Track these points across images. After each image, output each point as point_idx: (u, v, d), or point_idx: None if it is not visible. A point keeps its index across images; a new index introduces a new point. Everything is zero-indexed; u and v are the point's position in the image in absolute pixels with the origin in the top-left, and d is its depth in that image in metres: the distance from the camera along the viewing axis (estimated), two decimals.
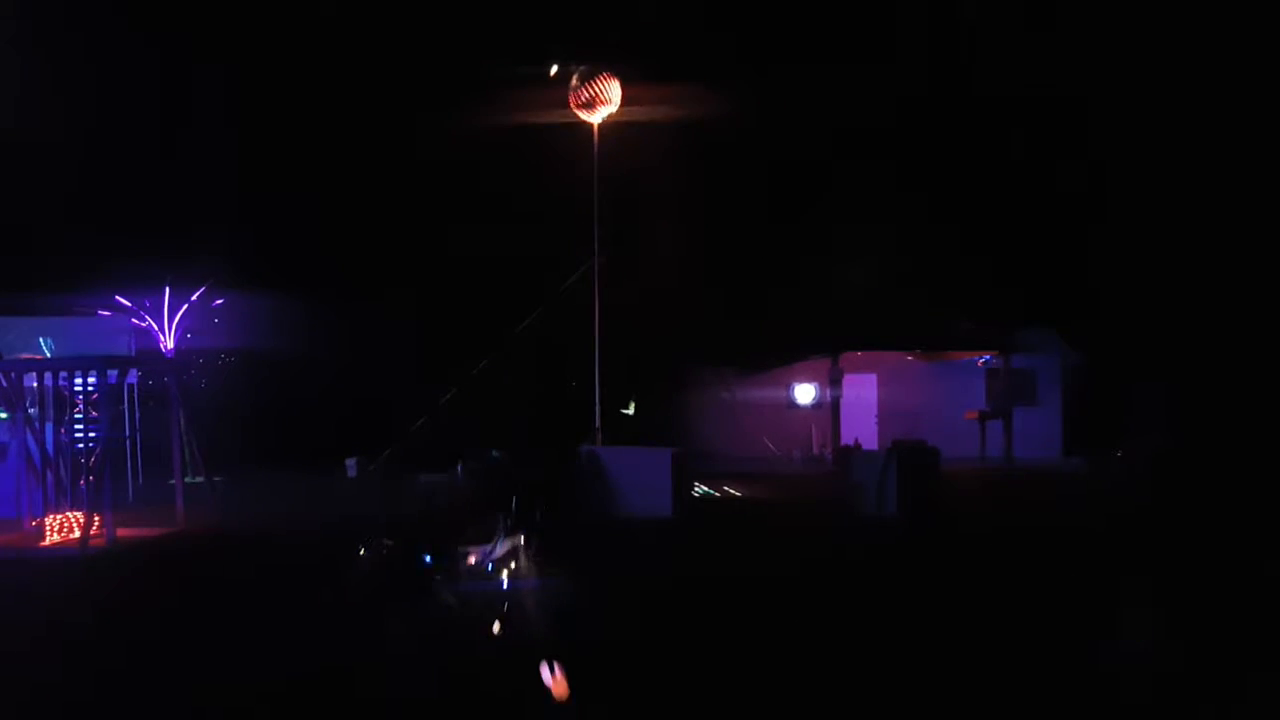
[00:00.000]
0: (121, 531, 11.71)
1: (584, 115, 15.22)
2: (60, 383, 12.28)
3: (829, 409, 21.15)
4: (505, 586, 5.09)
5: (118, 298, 18.59)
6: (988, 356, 22.09)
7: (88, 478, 12.12)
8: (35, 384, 12.37)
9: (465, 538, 5.15)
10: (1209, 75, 18.49)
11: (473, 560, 5.18)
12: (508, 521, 5.34)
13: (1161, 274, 19.85)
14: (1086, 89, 20.00)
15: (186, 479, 14.08)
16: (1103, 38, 19.24)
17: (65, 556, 10.72)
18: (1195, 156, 19.14)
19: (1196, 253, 19.28)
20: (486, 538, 5.25)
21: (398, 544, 4.91)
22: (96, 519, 11.48)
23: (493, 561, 4.92)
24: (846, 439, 20.41)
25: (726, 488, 16.18)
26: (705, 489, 15.88)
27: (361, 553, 4.73)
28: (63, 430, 12.37)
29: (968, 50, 21.11)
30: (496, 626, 5.01)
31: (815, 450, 21.91)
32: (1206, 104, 18.79)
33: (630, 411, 17.19)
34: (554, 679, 4.81)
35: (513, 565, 5.04)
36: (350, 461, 18.99)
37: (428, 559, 4.87)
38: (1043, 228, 21.18)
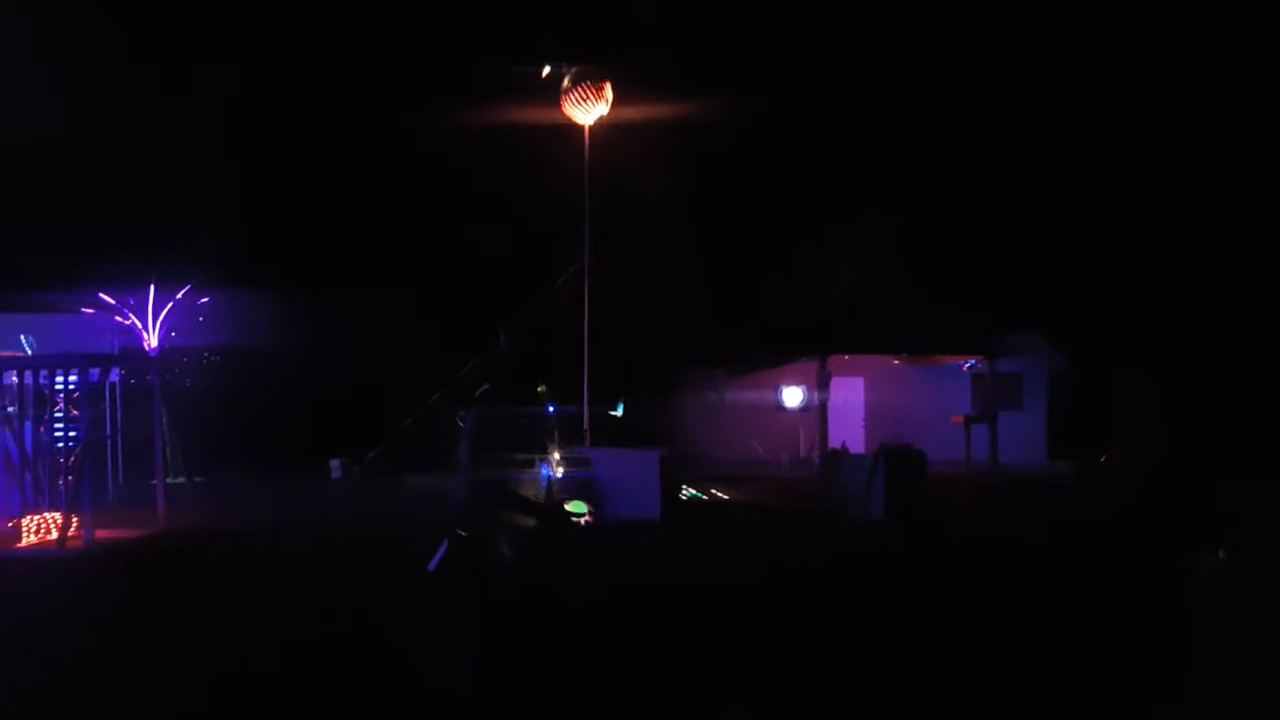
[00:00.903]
0: (100, 533, 11.57)
1: (575, 117, 15.17)
2: (41, 381, 12.14)
3: (816, 412, 21.12)
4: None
5: (102, 295, 18.42)
6: (973, 361, 22.11)
7: (67, 477, 11.99)
8: (15, 382, 12.22)
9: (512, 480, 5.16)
10: (1199, 78, 18.56)
11: (531, 492, 5.23)
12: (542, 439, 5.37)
13: (1148, 280, 19.93)
14: (1074, 93, 20.06)
15: (168, 479, 13.95)
16: (1093, 43, 19.30)
17: (42, 558, 10.58)
18: (1182, 166, 19.21)
19: (1183, 259, 19.36)
20: (531, 464, 5.29)
21: (472, 532, 4.84)
22: (75, 520, 11.34)
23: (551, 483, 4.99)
24: (834, 442, 20.38)
25: (715, 490, 16.13)
26: (693, 491, 15.83)
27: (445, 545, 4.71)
28: (42, 429, 12.23)
29: (953, 57, 21.15)
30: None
31: (803, 453, 21.88)
32: (1195, 109, 18.86)
33: (619, 413, 17.13)
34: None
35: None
36: (334, 462, 18.87)
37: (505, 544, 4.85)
38: (1030, 233, 21.23)
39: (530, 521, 4.82)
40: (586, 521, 4.34)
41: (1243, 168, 18.62)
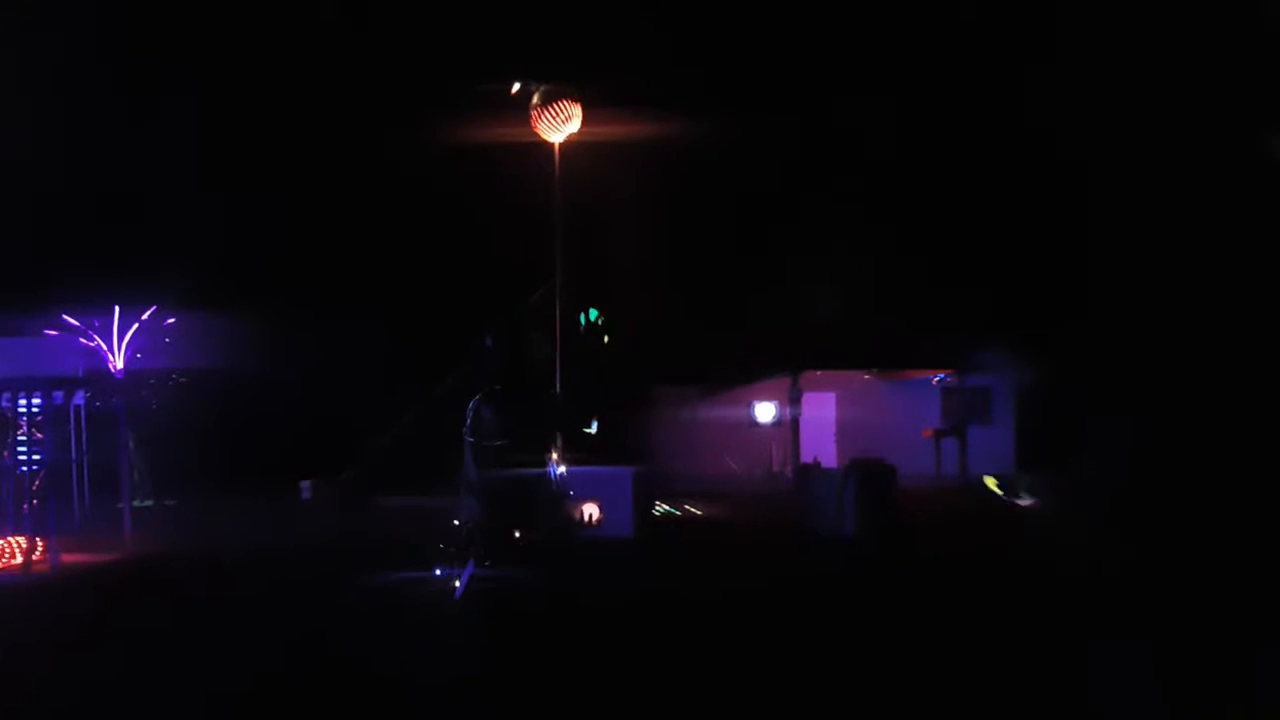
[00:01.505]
0: (66, 557, 11.40)
1: (545, 135, 15.23)
2: (4, 404, 11.95)
3: (789, 427, 21.26)
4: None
5: (65, 317, 18.15)
6: (943, 375, 22.37)
7: (32, 501, 11.79)
8: None
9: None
10: (1163, 90, 18.89)
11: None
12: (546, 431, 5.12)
13: (1114, 293, 20.27)
14: (1039, 110, 20.40)
15: (135, 503, 13.75)
16: (1058, 58, 19.63)
17: (7, 583, 10.39)
18: (1149, 182, 19.58)
19: (1151, 274, 19.70)
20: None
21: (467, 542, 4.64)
22: (40, 544, 11.16)
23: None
24: (806, 457, 20.51)
25: (688, 506, 16.16)
26: (667, 508, 15.85)
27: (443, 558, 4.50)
28: (6, 453, 12.03)
29: (921, 75, 21.47)
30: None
31: (776, 468, 21.99)
32: (1161, 122, 19.21)
33: (593, 430, 17.13)
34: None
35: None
36: (304, 484, 18.67)
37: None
38: (998, 249, 21.53)
39: (542, 532, 4.60)
40: (597, 520, 4.17)
41: (1211, 184, 18.99)
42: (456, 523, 4.60)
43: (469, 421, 4.86)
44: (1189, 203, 18.96)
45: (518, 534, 4.42)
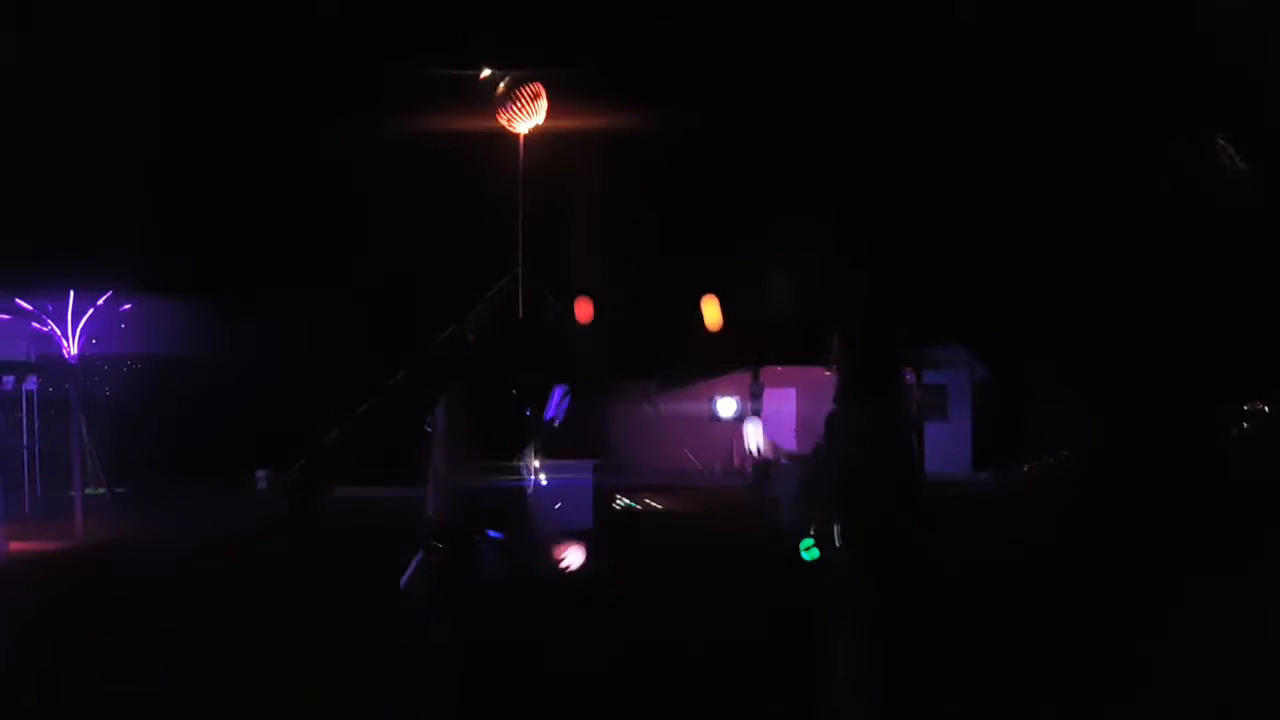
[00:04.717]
0: (15, 545, 11.24)
1: (510, 125, 15.18)
2: None
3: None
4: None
5: (18, 301, 17.82)
6: (902, 372, 22.65)
7: None
8: None
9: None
10: (1117, 85, 19.23)
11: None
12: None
13: (1069, 290, 20.65)
14: (993, 109, 20.67)
15: (87, 490, 13.57)
16: (1006, 64, 19.92)
17: None
18: (1103, 181, 19.93)
19: (1100, 267, 20.09)
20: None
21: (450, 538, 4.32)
22: None
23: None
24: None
25: (649, 500, 16.26)
26: (627, 501, 15.94)
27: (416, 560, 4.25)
28: None
29: (884, 68, 21.67)
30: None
31: (736, 463, 22.14)
32: (1114, 118, 19.54)
33: (556, 423, 17.11)
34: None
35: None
36: (260, 473, 18.52)
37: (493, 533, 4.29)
38: (953, 245, 21.82)
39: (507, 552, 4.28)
40: (579, 566, 3.85)
41: (1161, 183, 19.36)
42: (426, 513, 4.44)
43: (441, 415, 4.43)
44: (1136, 202, 19.34)
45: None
